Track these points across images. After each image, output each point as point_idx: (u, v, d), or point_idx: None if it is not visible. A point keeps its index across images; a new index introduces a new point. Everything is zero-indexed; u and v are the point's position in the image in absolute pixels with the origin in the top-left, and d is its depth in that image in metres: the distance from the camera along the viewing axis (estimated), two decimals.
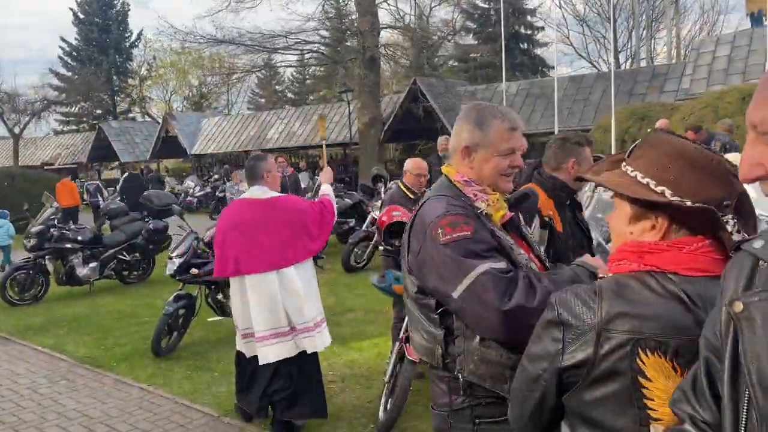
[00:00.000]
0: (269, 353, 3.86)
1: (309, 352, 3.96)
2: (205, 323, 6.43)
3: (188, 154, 30.30)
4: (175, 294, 5.70)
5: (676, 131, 8.69)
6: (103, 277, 8.60)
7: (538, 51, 32.91)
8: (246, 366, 4.08)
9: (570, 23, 33.40)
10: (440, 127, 27.12)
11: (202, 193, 23.05)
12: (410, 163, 5.15)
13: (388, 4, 24.47)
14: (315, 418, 4.11)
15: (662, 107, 14.48)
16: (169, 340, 5.71)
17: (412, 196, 4.93)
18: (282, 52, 24.18)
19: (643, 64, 29.72)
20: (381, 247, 4.68)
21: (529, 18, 32.48)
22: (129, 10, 43.15)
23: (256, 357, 3.91)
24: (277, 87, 51.51)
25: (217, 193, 20.21)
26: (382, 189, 9.36)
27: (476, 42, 33.60)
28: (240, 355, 4.11)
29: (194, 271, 5.55)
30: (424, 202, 1.91)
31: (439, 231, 1.78)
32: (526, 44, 32.41)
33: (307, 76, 48.33)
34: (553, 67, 32.98)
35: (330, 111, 28.33)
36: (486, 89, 24.31)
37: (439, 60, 34.26)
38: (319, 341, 4.01)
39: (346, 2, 26.77)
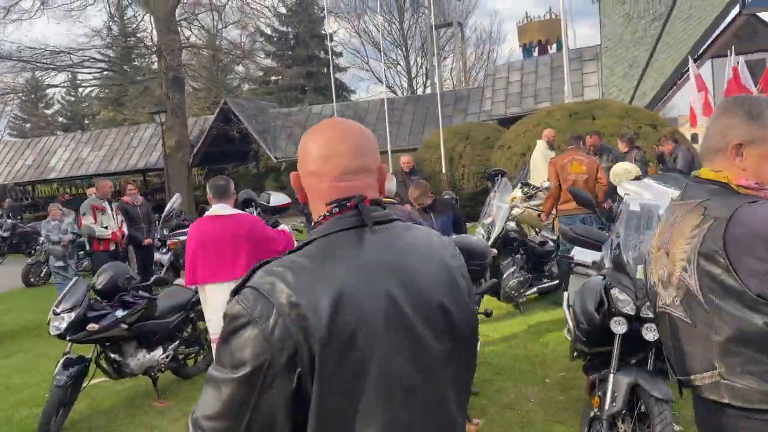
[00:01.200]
0: None
1: None
2: (88, 390, 5.21)
3: None
4: (64, 358, 4.51)
5: (518, 144, 9.17)
6: None
7: (338, 75, 33.68)
8: None
9: (367, 49, 34.72)
10: (255, 150, 26.35)
11: None
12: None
13: (188, 22, 23.06)
14: None
15: (482, 126, 15.60)
16: (56, 417, 4.49)
17: None
18: (56, 68, 21.21)
19: (429, 90, 32.02)
20: None
21: (327, 43, 33.14)
22: None
23: None
24: (45, 110, 45.78)
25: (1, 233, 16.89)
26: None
27: (277, 64, 33.35)
28: None
29: (92, 327, 4.44)
30: (738, 210, 1.54)
31: None
32: (325, 69, 32.97)
33: (83, 98, 43.76)
34: (353, 91, 34.06)
35: (124, 136, 25.84)
36: (299, 111, 24.13)
37: (232, 81, 33.34)
38: None
39: (136, 20, 24.77)
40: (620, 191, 6.37)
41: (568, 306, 4.30)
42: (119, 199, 8.73)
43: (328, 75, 32.84)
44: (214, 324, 4.37)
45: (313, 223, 1.28)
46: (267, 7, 23.48)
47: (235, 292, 1.16)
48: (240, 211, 4.52)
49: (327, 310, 1.11)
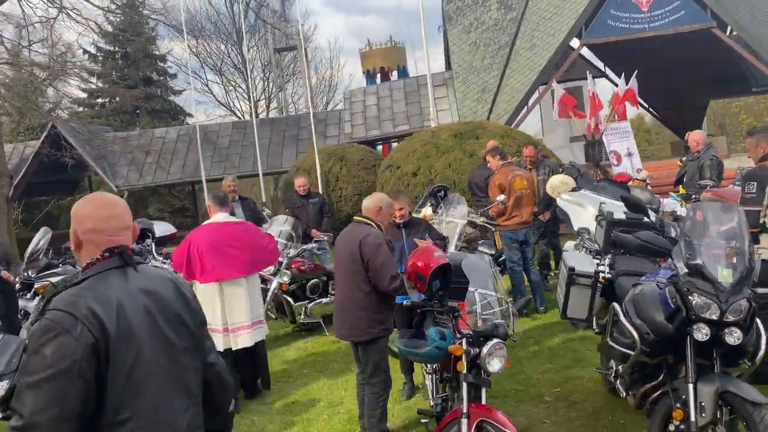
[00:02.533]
0: (248, 339, 5.17)
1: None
2: None
3: None
4: None
5: (408, 164, 9.12)
6: None
7: (173, 98, 31.74)
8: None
9: (206, 72, 33.17)
10: (90, 177, 23.67)
11: None
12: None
13: None
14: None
15: (354, 147, 15.49)
16: None
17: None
18: None
19: (275, 114, 31.47)
20: (409, 301, 3.72)
21: (161, 64, 31.11)
22: None
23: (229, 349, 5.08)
24: None
25: None
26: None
27: (105, 85, 30.54)
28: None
29: None
30: None
31: None
32: (160, 90, 30.91)
33: None
34: (190, 115, 32.30)
35: None
36: (140, 135, 22.21)
37: (44, 104, 29.90)
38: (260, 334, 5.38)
39: None
40: (559, 202, 6.56)
41: (599, 323, 4.17)
42: None
43: (161, 97, 30.91)
44: (218, 314, 5.07)
45: (85, 264, 1.85)
46: (90, 23, 21.21)
47: (41, 315, 1.69)
48: (238, 219, 5.66)
49: (113, 319, 1.71)
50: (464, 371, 3.33)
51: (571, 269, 4.30)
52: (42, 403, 1.58)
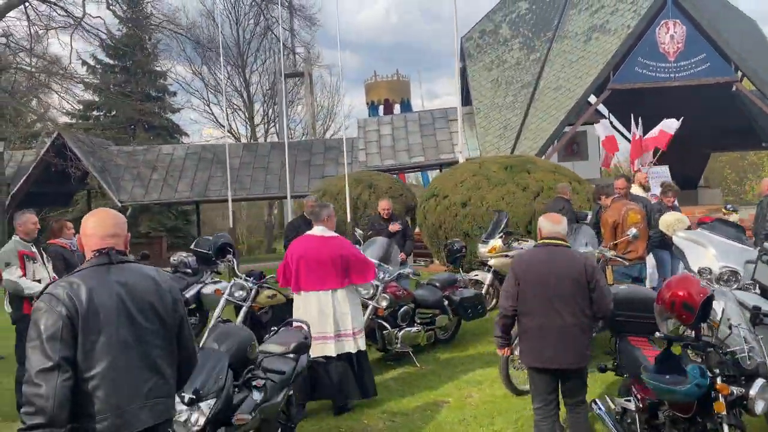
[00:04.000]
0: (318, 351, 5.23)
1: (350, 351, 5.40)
2: None
3: None
4: None
5: (457, 194, 8.97)
6: None
7: (170, 116, 31.16)
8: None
9: (204, 91, 32.75)
10: (90, 191, 22.87)
11: None
12: None
13: None
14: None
15: (381, 176, 15.26)
16: None
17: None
18: None
19: (274, 138, 31.18)
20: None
21: (161, 81, 30.61)
22: None
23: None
24: None
25: None
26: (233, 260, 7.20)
27: (99, 98, 29.85)
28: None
29: (242, 418, 3.03)
30: None
31: None
32: (158, 107, 30.34)
33: None
34: (186, 134, 31.77)
35: None
36: (147, 150, 21.62)
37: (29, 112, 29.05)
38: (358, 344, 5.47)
39: None
40: (675, 240, 6.39)
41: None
42: (47, 242, 6.62)
43: (159, 114, 30.33)
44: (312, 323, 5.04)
45: (86, 260, 2.47)
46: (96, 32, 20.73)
47: (38, 297, 2.33)
48: (337, 234, 5.63)
49: (83, 301, 2.26)
50: (724, 412, 3.06)
51: (756, 308, 4.11)
52: (41, 360, 2.16)
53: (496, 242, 8.87)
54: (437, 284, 7.31)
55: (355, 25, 65.67)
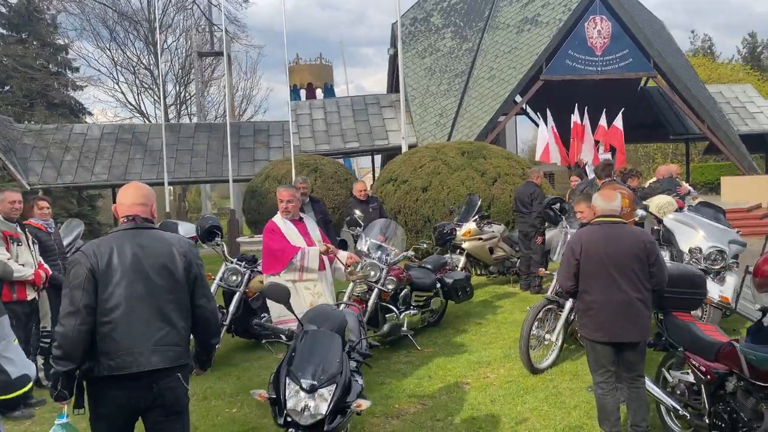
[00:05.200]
0: None
1: None
2: None
3: None
4: None
5: (418, 179, 9.36)
6: None
7: (74, 93, 28.87)
8: None
9: (118, 70, 30.63)
10: None
11: None
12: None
13: None
14: None
15: (327, 160, 14.98)
16: None
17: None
18: None
19: (193, 119, 29.85)
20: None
21: (63, 55, 28.22)
22: None
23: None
24: None
25: None
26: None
27: None
28: None
29: (360, 404, 2.82)
30: None
31: None
32: (56, 83, 27.97)
33: None
34: (90, 113, 29.66)
35: None
36: (57, 130, 19.93)
37: None
38: None
39: None
40: (666, 222, 6.73)
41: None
42: (22, 222, 5.90)
43: (61, 91, 28.04)
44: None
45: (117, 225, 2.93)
46: None
47: (72, 263, 2.75)
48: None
49: (106, 258, 2.70)
50: None
51: None
52: (67, 305, 2.65)
53: (470, 225, 8.96)
54: (430, 267, 7.27)
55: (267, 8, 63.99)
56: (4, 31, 27.43)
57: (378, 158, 23.89)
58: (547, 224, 9.07)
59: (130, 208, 2.91)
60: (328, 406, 2.80)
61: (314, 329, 3.07)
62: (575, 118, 13.76)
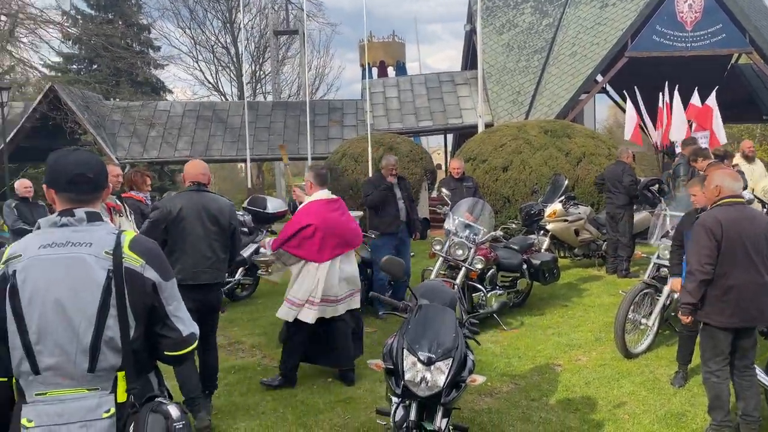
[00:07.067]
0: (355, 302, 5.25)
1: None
2: None
3: None
4: None
5: (498, 158, 9.09)
6: None
7: (156, 72, 30.00)
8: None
9: (190, 47, 31.57)
10: (84, 147, 21.85)
11: None
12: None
13: None
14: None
15: (402, 139, 14.98)
16: None
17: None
18: None
19: (268, 97, 30.40)
20: None
21: (146, 35, 29.35)
22: None
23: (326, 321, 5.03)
24: None
25: None
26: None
27: (77, 51, 28.56)
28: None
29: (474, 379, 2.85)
30: None
31: None
32: (139, 62, 29.07)
33: None
34: (171, 91, 30.72)
35: None
36: (143, 107, 20.77)
37: None
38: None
39: None
40: None
41: None
42: (122, 195, 6.23)
43: (144, 70, 29.13)
44: (341, 285, 5.04)
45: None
46: None
47: (154, 208, 4.52)
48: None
49: (176, 209, 4.24)
50: None
51: None
52: (145, 233, 3.83)
53: (556, 206, 8.78)
54: (516, 248, 7.20)
55: None
56: (93, 12, 28.73)
57: (450, 137, 23.70)
58: (636, 206, 8.79)
59: (195, 177, 4.38)
60: (446, 379, 2.83)
61: (428, 303, 3.10)
62: (663, 96, 13.16)
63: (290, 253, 4.94)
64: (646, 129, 14.20)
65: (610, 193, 8.57)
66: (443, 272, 6.49)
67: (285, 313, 4.96)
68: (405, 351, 2.91)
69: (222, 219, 4.31)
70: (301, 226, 4.90)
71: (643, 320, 5.65)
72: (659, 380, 5.08)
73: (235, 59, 30.94)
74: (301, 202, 5.31)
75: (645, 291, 5.64)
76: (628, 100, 14.22)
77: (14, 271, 1.87)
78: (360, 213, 11.84)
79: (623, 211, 8.42)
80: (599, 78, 18.18)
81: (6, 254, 1.93)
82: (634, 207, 8.68)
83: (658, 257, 5.86)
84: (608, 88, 23.14)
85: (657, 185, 7.19)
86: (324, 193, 5.08)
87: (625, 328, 5.51)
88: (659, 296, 5.65)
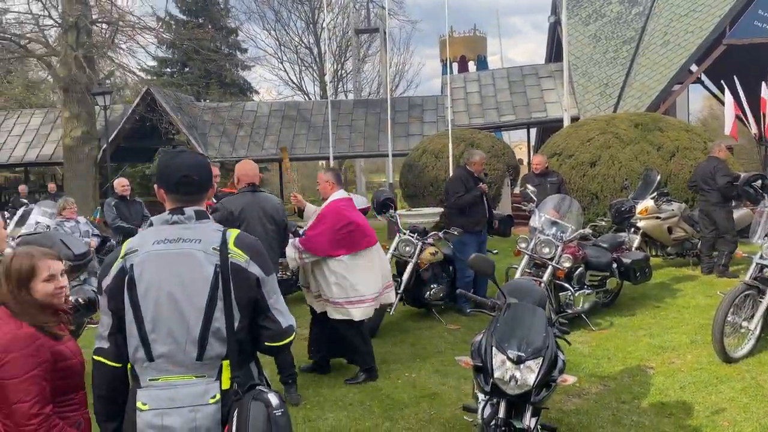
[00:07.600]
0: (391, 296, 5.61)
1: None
2: None
3: None
4: None
5: (586, 153, 8.77)
6: None
7: (243, 73, 31.10)
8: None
9: (275, 48, 32.54)
10: (176, 146, 23.09)
11: None
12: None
13: None
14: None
15: (483, 134, 14.84)
16: None
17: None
18: None
19: (349, 96, 30.84)
20: None
21: (234, 37, 30.48)
22: None
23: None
24: None
25: None
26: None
27: (171, 55, 30.03)
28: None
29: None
30: None
31: None
32: (227, 64, 30.24)
33: None
34: (257, 92, 31.71)
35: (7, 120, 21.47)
36: (231, 107, 21.62)
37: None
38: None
39: None
40: None
41: None
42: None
43: (232, 71, 30.27)
44: (377, 280, 5.25)
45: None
46: None
47: (214, 210, 4.59)
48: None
49: (238, 209, 4.60)
50: None
51: None
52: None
53: (648, 203, 8.45)
54: (605, 246, 6.98)
55: None
56: (185, 17, 30.13)
57: (533, 132, 23.21)
58: (734, 203, 8.33)
59: (252, 178, 4.76)
60: (536, 378, 2.81)
61: (517, 302, 3.09)
62: (766, 86, 12.33)
63: (337, 255, 4.96)
64: (747, 121, 13.36)
65: (703, 191, 8.15)
66: (528, 270, 6.40)
67: (363, 312, 5.06)
68: (494, 349, 2.91)
69: (277, 217, 4.65)
70: (343, 224, 5.00)
71: (744, 323, 5.35)
72: (762, 387, 4.79)
73: (317, 59, 31.61)
74: (300, 207, 5.38)
75: (747, 292, 5.34)
76: (727, 90, 13.43)
77: (131, 265, 2.02)
78: (440, 210, 11.84)
79: (718, 209, 7.99)
80: (693, 68, 17.27)
81: (124, 249, 2.09)
82: (733, 203, 8.22)
83: (761, 257, 5.53)
84: (703, 77, 21.97)
85: (760, 181, 6.76)
86: (343, 193, 5.25)
87: (724, 330, 5.24)
88: (762, 298, 5.33)
